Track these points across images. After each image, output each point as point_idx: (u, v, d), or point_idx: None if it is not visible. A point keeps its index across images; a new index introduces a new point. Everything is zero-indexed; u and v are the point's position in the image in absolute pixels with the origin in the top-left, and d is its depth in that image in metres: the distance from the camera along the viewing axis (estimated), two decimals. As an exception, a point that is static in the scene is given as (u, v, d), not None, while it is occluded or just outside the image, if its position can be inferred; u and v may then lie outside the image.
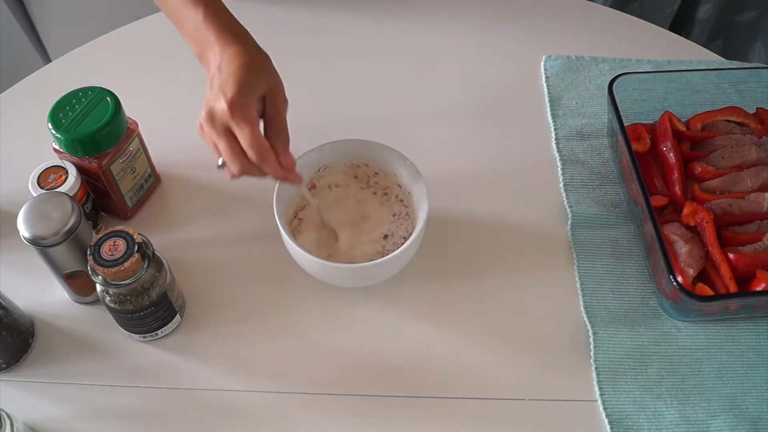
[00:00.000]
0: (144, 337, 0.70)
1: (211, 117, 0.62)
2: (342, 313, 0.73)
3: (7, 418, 0.60)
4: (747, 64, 0.89)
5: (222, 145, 0.62)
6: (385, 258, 0.67)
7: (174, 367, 0.70)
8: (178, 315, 0.71)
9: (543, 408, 0.67)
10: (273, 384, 0.68)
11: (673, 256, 0.70)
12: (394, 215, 0.74)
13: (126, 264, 0.61)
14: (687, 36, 1.00)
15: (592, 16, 0.98)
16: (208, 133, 0.63)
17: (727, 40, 1.31)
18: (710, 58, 0.92)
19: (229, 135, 0.62)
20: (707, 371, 0.68)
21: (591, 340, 0.70)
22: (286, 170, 0.64)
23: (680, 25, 1.28)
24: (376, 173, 0.76)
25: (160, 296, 0.66)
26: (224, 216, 0.79)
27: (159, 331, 0.70)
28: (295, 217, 0.74)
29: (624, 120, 0.76)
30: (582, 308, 0.72)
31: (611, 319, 0.71)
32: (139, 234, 0.63)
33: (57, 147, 0.72)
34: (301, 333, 0.71)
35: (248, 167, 0.63)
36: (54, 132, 0.69)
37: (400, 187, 0.75)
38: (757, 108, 0.82)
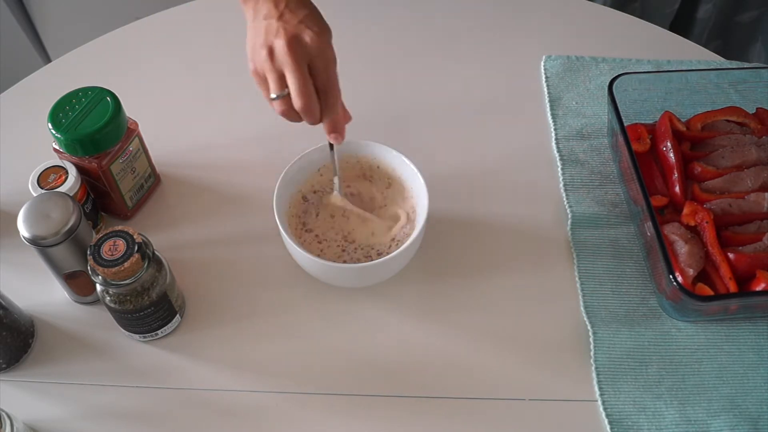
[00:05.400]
0: (144, 337, 0.70)
1: (272, 52, 0.62)
2: (342, 313, 0.73)
3: (7, 418, 0.60)
4: (747, 64, 0.89)
5: (272, 80, 0.63)
6: (385, 258, 0.67)
7: (174, 367, 0.70)
8: (178, 315, 0.71)
9: (543, 408, 0.67)
10: (273, 384, 0.68)
11: (673, 256, 0.70)
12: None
13: (126, 264, 0.61)
14: (687, 36, 0.99)
15: (592, 16, 0.98)
16: (267, 67, 0.63)
17: (727, 40, 1.31)
18: (710, 58, 0.92)
19: (282, 75, 0.63)
20: (707, 371, 0.68)
21: (591, 340, 0.70)
22: (330, 128, 0.66)
23: (680, 25, 1.28)
24: (375, 173, 0.76)
25: (160, 296, 0.66)
26: (224, 216, 0.79)
27: (159, 331, 0.70)
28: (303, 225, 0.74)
29: (624, 120, 0.76)
30: (582, 308, 0.72)
31: (611, 319, 0.71)
32: (139, 234, 0.63)
33: (57, 147, 0.72)
34: (301, 333, 0.71)
35: (292, 113, 0.64)
36: (54, 132, 0.69)
37: (401, 187, 0.75)
38: (757, 108, 0.82)
